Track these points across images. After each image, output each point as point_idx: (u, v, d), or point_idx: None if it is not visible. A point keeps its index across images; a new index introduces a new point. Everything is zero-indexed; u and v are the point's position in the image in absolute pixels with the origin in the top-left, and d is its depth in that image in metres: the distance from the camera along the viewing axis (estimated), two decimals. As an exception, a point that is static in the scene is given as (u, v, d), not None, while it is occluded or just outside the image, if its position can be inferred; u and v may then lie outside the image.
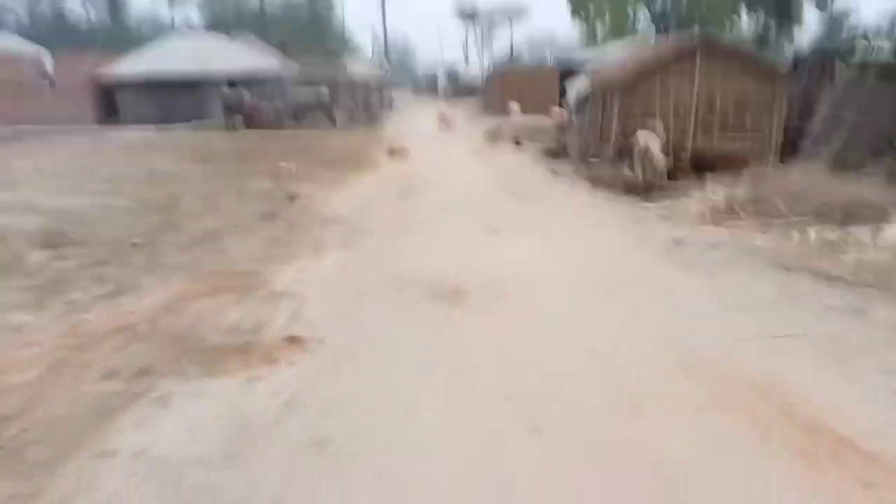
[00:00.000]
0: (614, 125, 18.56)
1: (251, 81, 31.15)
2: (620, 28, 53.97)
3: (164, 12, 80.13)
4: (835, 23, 49.00)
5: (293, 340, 5.16)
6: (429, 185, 13.37)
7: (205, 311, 5.89)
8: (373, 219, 10.13)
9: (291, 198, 11.54)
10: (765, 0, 30.70)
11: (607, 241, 8.60)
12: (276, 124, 26.78)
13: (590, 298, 6.19)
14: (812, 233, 8.96)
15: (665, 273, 7.04)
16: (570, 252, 8.03)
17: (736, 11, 50.77)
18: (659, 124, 16.23)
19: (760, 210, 10.41)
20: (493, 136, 22.98)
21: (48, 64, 31.08)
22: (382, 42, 52.44)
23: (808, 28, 38.74)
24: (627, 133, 18.43)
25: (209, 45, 33.45)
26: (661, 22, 54.11)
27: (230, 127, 26.04)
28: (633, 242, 8.46)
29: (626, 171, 15.63)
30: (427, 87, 71.46)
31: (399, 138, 22.75)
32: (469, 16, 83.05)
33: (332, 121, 27.43)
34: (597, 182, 15.34)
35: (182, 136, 23.75)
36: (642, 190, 13.45)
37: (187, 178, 13.78)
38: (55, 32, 67.57)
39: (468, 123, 27.61)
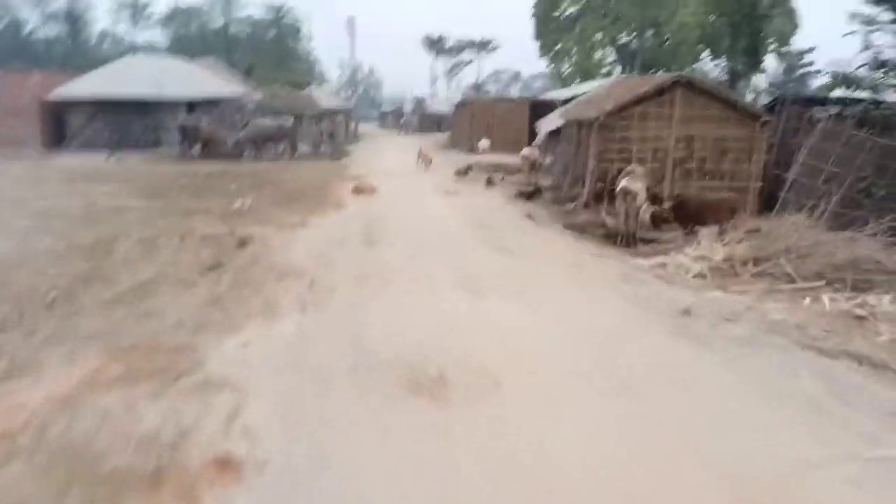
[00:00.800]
0: (590, 167, 17.71)
1: (211, 107, 29.76)
2: (587, 68, 54.12)
3: (128, 32, 78.18)
4: (790, 63, 49.81)
5: (224, 466, 3.84)
6: (398, 229, 12.16)
7: (114, 410, 4.53)
8: (336, 271, 8.84)
9: (243, 243, 10.20)
10: (732, 43, 30.64)
11: (606, 310, 7.46)
12: (236, 154, 25.36)
13: (604, 401, 4.99)
14: (826, 300, 8.01)
15: (682, 357, 5.91)
16: (567, 325, 6.86)
17: (698, 54, 51.46)
18: (640, 168, 15.40)
19: (764, 271, 9.48)
20: (464, 175, 21.96)
21: (-6, 83, 29.13)
22: (350, 72, 51.49)
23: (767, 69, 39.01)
24: (604, 176, 17.65)
25: (167, 67, 31.95)
26: (627, 64, 54.45)
27: (185, 155, 24.52)
28: (636, 311, 7.34)
29: (607, 218, 14.70)
30: (393, 118, 70.63)
31: (365, 173, 21.56)
32: (436, 44, 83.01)
33: (295, 152, 26.12)
34: (576, 229, 14.39)
35: (132, 164, 22.18)
36: (626, 240, 12.50)
37: (129, 215, 12.33)
38: (12, 51, 65.04)
39: (436, 159, 26.57)
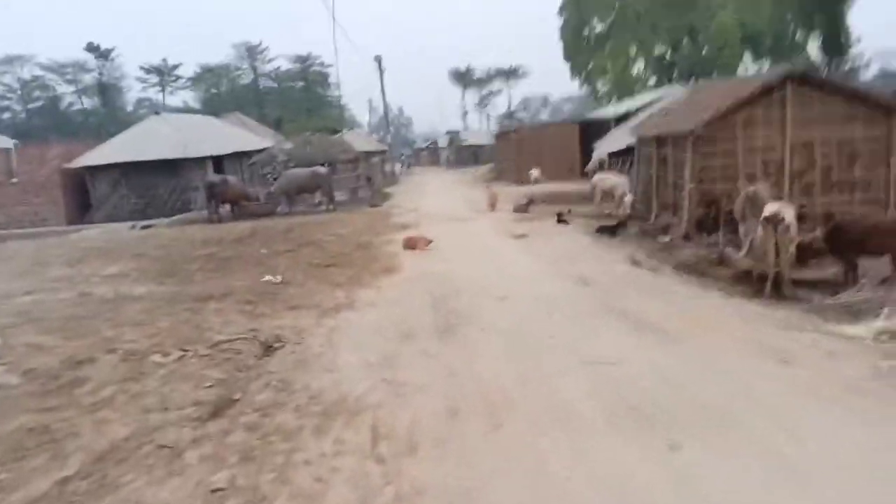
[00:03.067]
0: (686, 190, 14.21)
1: (239, 163, 27.16)
2: (624, 83, 50.67)
3: (163, 97, 77.77)
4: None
5: None
6: (477, 300, 8.83)
7: None
8: (408, 401, 5.49)
9: (268, 350, 6.98)
10: (804, 37, 27.05)
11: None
12: (269, 211, 22.51)
13: None
14: None
15: None
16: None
17: (740, 57, 47.63)
18: (763, 186, 11.89)
19: None
20: (524, 211, 18.61)
21: (13, 158, 27.01)
22: (382, 113, 49.03)
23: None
24: (707, 200, 14.13)
25: (192, 125, 29.59)
26: (664, 75, 50.88)
27: (213, 218, 21.75)
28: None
29: (736, 256, 11.17)
30: (429, 155, 67.97)
31: (413, 220, 18.38)
32: (464, 77, 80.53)
33: (332, 202, 23.16)
34: (690, 271, 10.91)
35: (154, 234, 19.41)
36: (772, 284, 8.99)
37: (127, 310, 9.25)
38: (51, 126, 64.72)
39: (485, 195, 23.38)
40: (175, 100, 77.71)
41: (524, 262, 11.54)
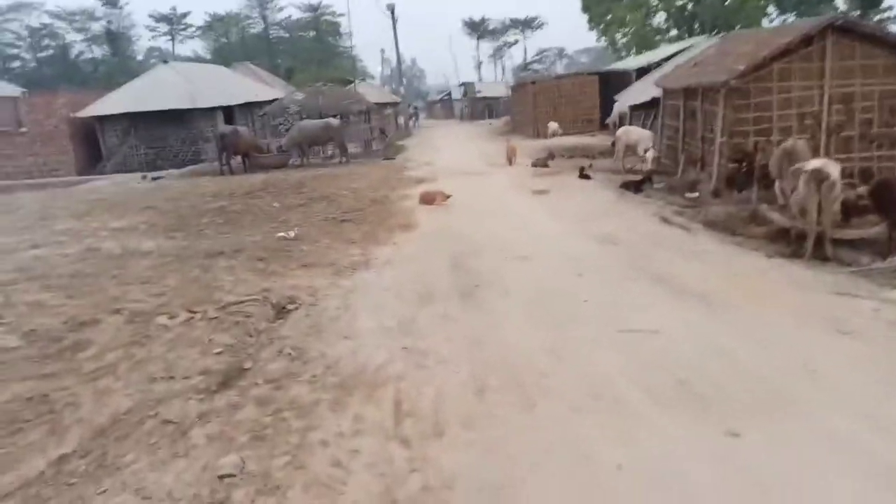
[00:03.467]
0: (717, 144, 13.47)
1: (251, 113, 26.44)
2: (644, 35, 48.85)
3: (173, 46, 76.29)
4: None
5: None
6: (498, 260, 8.29)
7: None
8: (432, 372, 5.01)
9: (281, 312, 6.52)
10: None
11: None
12: (281, 163, 21.90)
13: None
14: None
15: None
16: None
17: (764, 9, 45.68)
18: (802, 143, 11.18)
19: None
20: (543, 166, 17.89)
21: (21, 107, 26.40)
22: (395, 64, 47.63)
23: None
24: (739, 154, 13.40)
25: (201, 74, 28.80)
26: (686, 26, 48.97)
27: (224, 170, 21.18)
28: None
29: (770, 213, 10.52)
30: (443, 108, 66.53)
31: (429, 174, 17.74)
32: (478, 27, 78.32)
33: (345, 154, 22.50)
34: (721, 228, 10.32)
35: (164, 186, 18.91)
36: (814, 244, 8.40)
37: (135, 266, 8.82)
38: (62, 75, 63.74)
39: (501, 149, 22.60)
40: (185, 49, 76.30)
41: (546, 219, 10.95)
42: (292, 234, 10.45)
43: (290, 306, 6.72)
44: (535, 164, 17.97)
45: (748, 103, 12.85)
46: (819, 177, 8.58)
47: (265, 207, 13.59)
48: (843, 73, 12.57)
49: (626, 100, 23.63)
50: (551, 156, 18.55)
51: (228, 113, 26.80)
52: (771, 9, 46.91)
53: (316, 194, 14.83)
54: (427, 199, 12.91)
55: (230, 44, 71.83)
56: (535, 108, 28.30)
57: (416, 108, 66.75)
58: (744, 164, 12.88)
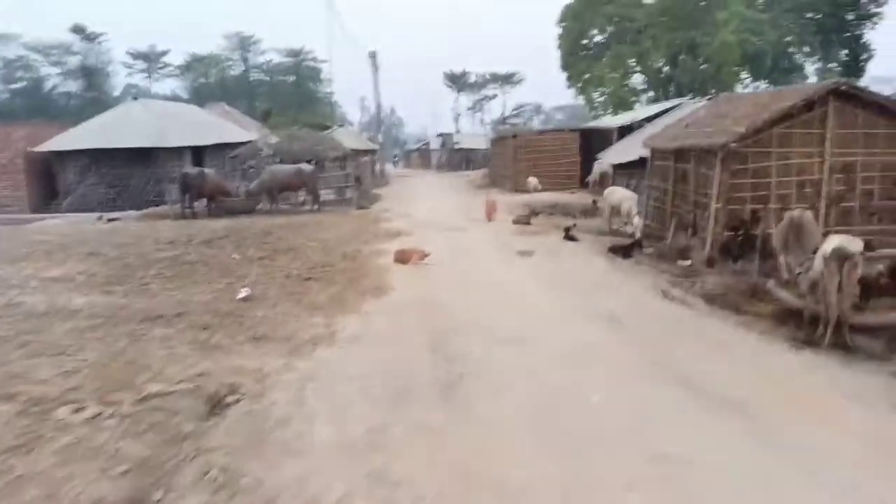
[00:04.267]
0: (713, 210, 12.57)
1: (221, 155, 25.17)
2: (621, 95, 49.19)
3: (151, 84, 75.08)
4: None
5: None
6: (487, 342, 7.02)
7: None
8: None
9: (216, 407, 5.15)
10: (823, 54, 25.63)
11: None
12: (248, 208, 20.56)
13: None
14: None
15: None
16: None
17: (738, 75, 46.44)
18: (809, 214, 10.31)
19: None
20: (526, 223, 16.85)
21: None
22: (374, 111, 47.03)
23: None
24: (735, 222, 12.53)
25: (172, 112, 27.53)
26: (661, 89, 49.51)
27: (186, 214, 19.76)
28: None
29: (780, 292, 9.50)
30: (419, 157, 65.97)
31: (405, 227, 16.54)
32: (458, 80, 78.74)
33: (318, 202, 21.27)
34: (723, 304, 9.30)
35: (118, 229, 17.40)
36: (833, 331, 7.38)
37: (53, 331, 7.36)
38: (34, 108, 61.90)
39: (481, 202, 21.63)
40: (163, 87, 75.09)
41: (536, 288, 9.77)
42: (243, 293, 9.07)
43: (229, 398, 5.34)
44: (516, 222, 16.94)
45: (746, 168, 12.05)
46: (842, 256, 7.60)
47: (223, 259, 12.21)
48: (845, 141, 11.88)
49: (608, 158, 22.97)
50: (534, 213, 17.57)
51: (198, 154, 25.50)
52: (744, 74, 47.80)
53: (282, 245, 13.51)
54: (403, 258, 11.67)
55: (208, 84, 70.90)
56: (515, 162, 27.51)
57: (396, 155, 66.22)
58: (740, 232, 12.02)
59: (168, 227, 17.49)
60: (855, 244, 7.82)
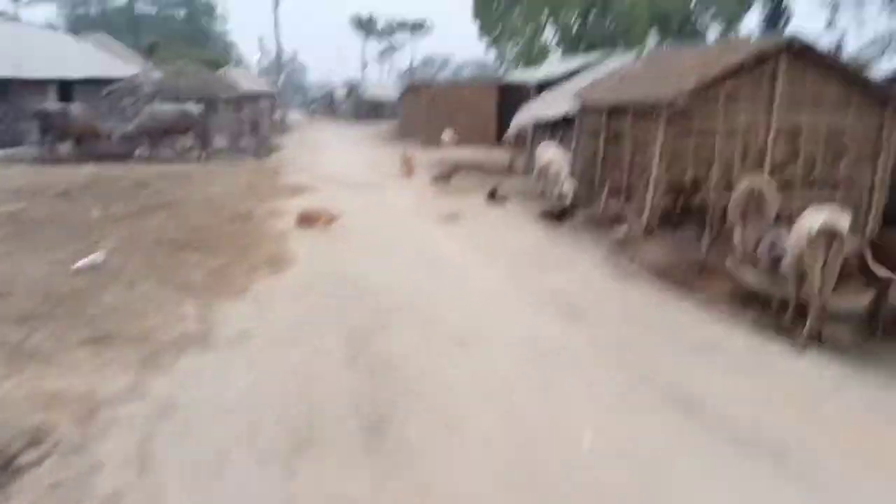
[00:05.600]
0: (654, 174, 11.29)
1: (94, 92, 21.51)
2: (532, 49, 47.81)
3: (20, 12, 65.90)
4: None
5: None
6: (422, 340, 5.24)
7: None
8: None
9: (8, 463, 3.15)
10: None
11: None
12: (123, 154, 17.49)
13: None
14: None
15: None
16: None
17: (646, 35, 46.22)
18: (766, 180, 9.20)
19: None
20: (446, 181, 15.06)
21: None
22: (273, 54, 43.01)
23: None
24: (678, 188, 11.35)
25: (34, 40, 23.32)
26: (572, 44, 48.54)
27: (49, 157, 16.52)
28: None
29: (744, 274, 8.30)
30: (323, 107, 61.97)
31: (309, 181, 14.28)
32: (366, 25, 74.56)
33: (207, 149, 18.46)
34: (671, 280, 8.06)
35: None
36: (813, 321, 6.26)
37: None
38: None
39: (392, 157, 19.60)
40: (35, 16, 66.35)
41: (471, 262, 8.04)
42: (85, 261, 6.81)
43: (26, 455, 3.31)
44: (435, 179, 15.09)
45: (689, 129, 10.75)
46: (830, 234, 6.38)
47: (79, 216, 9.67)
48: (792, 103, 10.80)
49: (528, 115, 21.41)
50: (454, 170, 15.79)
51: (67, 89, 21.70)
52: (652, 35, 47.62)
53: (156, 200, 11.03)
54: (307, 221, 9.59)
55: (88, 15, 63.14)
56: (429, 115, 25.45)
57: (313, 102, 61.83)
58: (679, 199, 10.84)
59: (21, 173, 14.38)
60: (843, 219, 6.61)
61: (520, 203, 12.92)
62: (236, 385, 4.29)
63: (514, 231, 10.21)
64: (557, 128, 18.02)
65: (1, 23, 24.50)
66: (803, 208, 10.36)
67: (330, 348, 4.97)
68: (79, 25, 57.36)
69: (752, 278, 7.81)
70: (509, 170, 18.38)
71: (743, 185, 9.07)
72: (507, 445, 3.65)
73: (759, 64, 10.58)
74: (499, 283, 7.08)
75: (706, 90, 10.43)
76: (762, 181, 8.94)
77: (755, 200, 8.69)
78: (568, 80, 22.25)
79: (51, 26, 59.67)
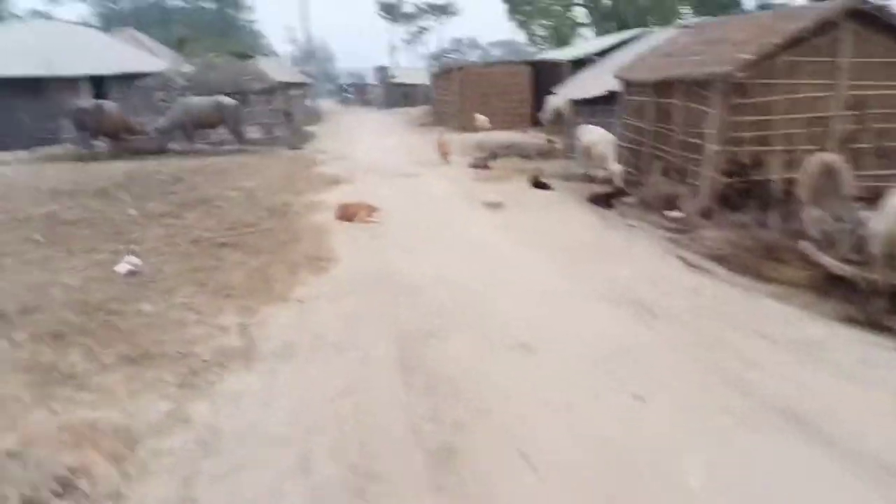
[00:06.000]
0: (709, 153, 10.57)
1: (126, 87, 21.38)
2: (562, 28, 46.58)
3: (55, 10, 66.77)
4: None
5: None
6: (481, 348, 4.72)
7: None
8: None
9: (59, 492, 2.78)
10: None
11: None
12: (157, 148, 17.30)
13: None
14: None
15: None
16: None
17: (678, 11, 44.50)
18: (836, 157, 8.48)
19: None
20: (483, 167, 14.46)
21: None
22: (304, 42, 42.65)
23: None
24: (736, 166, 10.60)
25: (66, 38, 23.28)
26: (603, 22, 47.09)
27: (85, 155, 16.43)
28: None
29: (824, 257, 7.59)
30: (354, 94, 61.49)
31: (345, 172, 13.82)
32: (393, 10, 73.65)
33: (241, 140, 18.18)
34: (752, 274, 7.38)
35: (5, 170, 14.02)
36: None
37: None
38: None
39: (427, 143, 19.06)
40: (68, 13, 67.12)
41: (522, 254, 7.50)
42: (126, 266, 6.48)
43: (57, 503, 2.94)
44: (474, 166, 14.52)
45: (747, 103, 9.98)
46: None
47: (115, 216, 9.40)
48: (860, 71, 9.92)
49: (565, 93, 20.60)
50: (493, 155, 15.19)
51: (100, 85, 21.63)
52: (686, 8, 45.87)
53: (192, 196, 10.72)
54: (347, 215, 9.14)
55: (120, 10, 63.64)
56: (461, 98, 24.81)
57: (346, 88, 61.51)
58: (740, 178, 10.10)
59: (58, 171, 14.26)
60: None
61: (563, 187, 12.28)
62: (283, 408, 3.85)
63: (563, 218, 9.61)
64: (597, 107, 17.27)
65: (33, 21, 24.38)
66: (873, 185, 9.60)
67: (381, 359, 4.51)
68: (110, 21, 57.86)
69: (836, 265, 7.09)
70: (549, 152, 17.70)
71: (814, 161, 8.35)
72: (598, 481, 3.14)
73: (822, 31, 9.75)
74: (554, 276, 6.53)
75: (765, 61, 9.66)
76: (834, 157, 8.22)
77: (828, 177, 8.01)
78: (605, 58, 21.39)
79: (84, 23, 60.35)
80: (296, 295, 5.97)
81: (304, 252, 7.45)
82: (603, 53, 22.50)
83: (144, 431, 3.52)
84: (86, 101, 18.24)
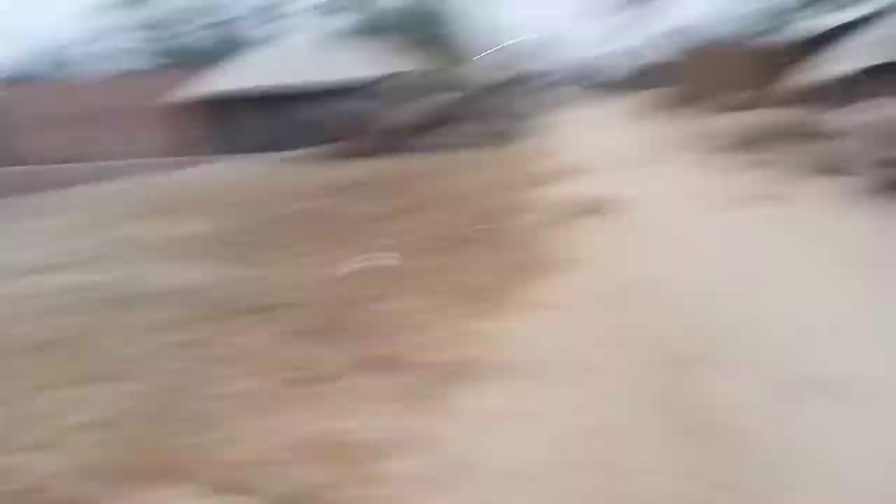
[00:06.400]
0: None
1: (368, 90, 22.94)
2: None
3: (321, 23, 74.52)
4: None
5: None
6: (784, 391, 3.60)
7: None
8: None
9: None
10: None
11: None
12: (398, 147, 18.16)
13: None
14: None
15: None
16: None
17: None
18: None
19: None
20: (740, 154, 12.66)
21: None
22: (523, 37, 42.42)
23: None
24: None
25: (332, 47, 25.76)
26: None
27: (342, 153, 17.93)
28: None
29: None
30: (584, 81, 59.97)
31: (579, 164, 13.05)
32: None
33: (478, 136, 18.37)
34: None
35: (262, 174, 15.82)
36: None
37: (107, 337, 5.22)
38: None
39: (666, 129, 17.42)
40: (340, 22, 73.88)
41: (803, 264, 6.07)
42: (382, 259, 6.54)
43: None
44: (725, 152, 12.76)
45: None
46: None
47: (361, 212, 9.81)
48: None
49: (821, 68, 17.39)
50: (748, 139, 13.22)
51: (354, 89, 23.59)
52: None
53: (427, 194, 10.82)
54: (587, 211, 8.42)
55: (371, 19, 69.03)
56: (708, 78, 22.49)
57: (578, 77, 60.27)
58: None
59: (311, 172, 15.62)
60: None
61: (836, 176, 10.14)
62: (534, 442, 3.29)
63: (848, 216, 7.81)
64: (867, 79, 14.34)
65: (307, 36, 27.56)
66: None
67: (639, 391, 3.74)
68: (360, 28, 62.62)
69: None
70: (808, 134, 15.09)
71: None
72: None
73: None
74: (851, 295, 5.10)
75: None
76: None
77: None
78: (867, 25, 17.64)
79: (339, 32, 66.32)
80: (538, 301, 5.42)
81: (546, 253, 6.89)
82: (864, 21, 18.55)
83: (387, 451, 3.21)
84: (346, 104, 19.90)
